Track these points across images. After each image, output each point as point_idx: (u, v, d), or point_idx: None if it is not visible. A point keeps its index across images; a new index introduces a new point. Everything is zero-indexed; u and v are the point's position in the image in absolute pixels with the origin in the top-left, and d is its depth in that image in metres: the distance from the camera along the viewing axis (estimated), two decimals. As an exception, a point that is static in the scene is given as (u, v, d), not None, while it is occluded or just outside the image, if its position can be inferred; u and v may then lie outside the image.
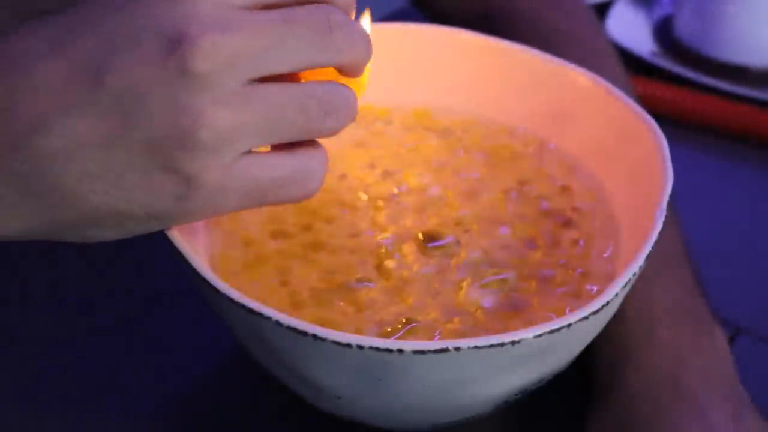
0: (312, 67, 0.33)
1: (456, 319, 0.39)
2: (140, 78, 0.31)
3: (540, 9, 0.63)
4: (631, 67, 0.70)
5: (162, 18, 0.31)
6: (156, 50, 0.31)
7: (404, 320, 0.38)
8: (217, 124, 0.31)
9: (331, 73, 0.35)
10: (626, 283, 0.36)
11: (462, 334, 0.38)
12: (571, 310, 0.39)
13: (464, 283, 0.40)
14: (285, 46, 0.32)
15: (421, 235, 0.43)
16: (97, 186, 0.32)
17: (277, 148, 0.34)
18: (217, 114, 0.31)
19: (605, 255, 0.42)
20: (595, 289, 0.40)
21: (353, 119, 0.35)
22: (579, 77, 0.47)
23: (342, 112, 0.34)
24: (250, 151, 0.33)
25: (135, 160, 0.32)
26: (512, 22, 0.62)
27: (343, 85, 0.35)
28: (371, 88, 0.51)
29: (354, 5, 0.35)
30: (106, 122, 0.31)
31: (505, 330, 0.38)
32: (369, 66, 0.36)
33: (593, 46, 0.59)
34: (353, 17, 0.36)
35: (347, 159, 0.48)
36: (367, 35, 0.35)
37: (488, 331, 0.38)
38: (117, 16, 0.32)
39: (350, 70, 0.35)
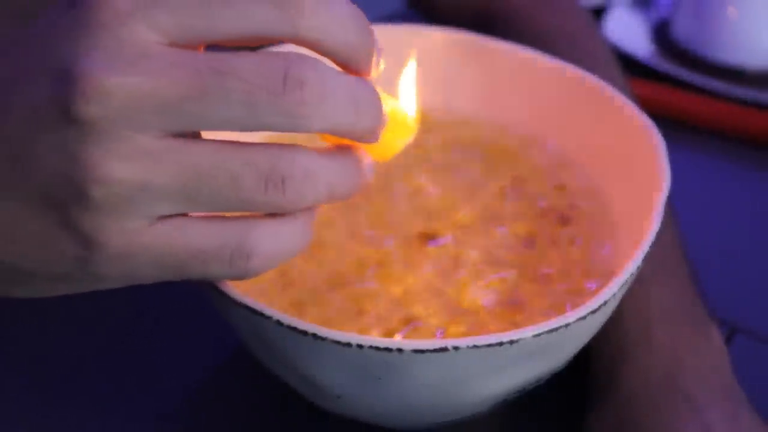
0: (263, 130, 0.27)
1: (457, 318, 0.39)
2: (29, 121, 0.27)
3: (536, 10, 0.63)
4: (629, 69, 0.70)
5: (55, 52, 0.27)
6: (42, 90, 0.27)
7: (405, 320, 0.39)
8: (112, 181, 0.27)
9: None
10: (624, 283, 0.36)
11: (463, 334, 0.38)
12: (571, 308, 0.39)
13: (464, 282, 0.41)
14: (205, 100, 0.26)
15: (420, 235, 0.43)
16: None
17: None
18: (113, 170, 0.27)
19: (603, 252, 0.42)
20: (594, 286, 0.40)
21: (343, 196, 0.29)
22: (576, 77, 0.48)
23: (301, 186, 0.28)
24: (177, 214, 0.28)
25: (30, 213, 0.28)
26: (509, 22, 0.62)
27: (311, 152, 0.28)
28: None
29: (370, 57, 0.29)
30: None
31: (506, 328, 0.38)
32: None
33: (590, 48, 0.59)
34: (372, 69, 0.29)
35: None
36: (370, 95, 0.28)
37: (489, 330, 0.38)
38: (8, 49, 0.28)
39: (341, 137, 0.28)
